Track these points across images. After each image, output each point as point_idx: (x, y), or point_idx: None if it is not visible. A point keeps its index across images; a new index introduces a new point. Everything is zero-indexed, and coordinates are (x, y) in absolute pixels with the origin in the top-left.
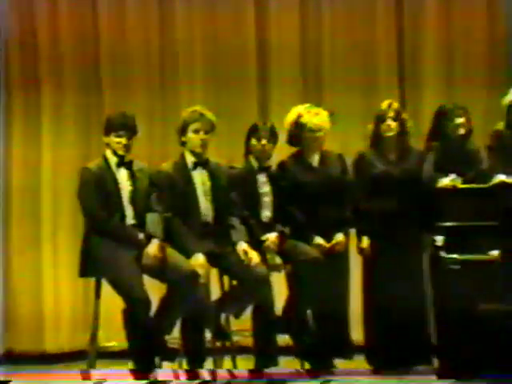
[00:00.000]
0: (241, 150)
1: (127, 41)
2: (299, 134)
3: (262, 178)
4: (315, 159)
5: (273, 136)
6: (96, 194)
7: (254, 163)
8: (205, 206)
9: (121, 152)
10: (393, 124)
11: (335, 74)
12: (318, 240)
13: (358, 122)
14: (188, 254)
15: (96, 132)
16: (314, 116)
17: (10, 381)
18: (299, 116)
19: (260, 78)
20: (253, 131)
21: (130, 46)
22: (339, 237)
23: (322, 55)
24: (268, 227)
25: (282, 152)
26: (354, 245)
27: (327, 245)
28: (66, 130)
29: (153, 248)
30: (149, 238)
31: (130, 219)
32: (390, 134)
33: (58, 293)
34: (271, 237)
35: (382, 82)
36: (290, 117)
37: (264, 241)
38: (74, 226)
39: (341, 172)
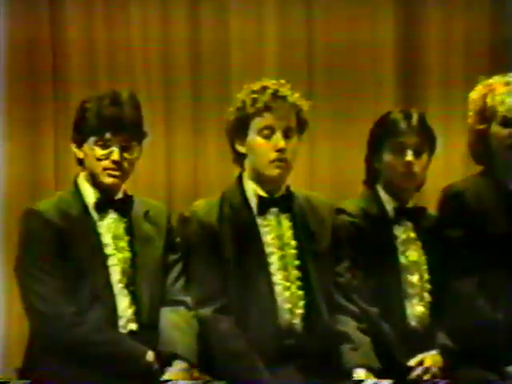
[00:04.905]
0: (358, 173)
1: None
2: (486, 130)
3: (404, 233)
4: None
5: (427, 139)
6: (56, 268)
7: (388, 201)
8: (283, 289)
9: (108, 180)
10: None
11: None
12: None
13: None
14: None
15: None
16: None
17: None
18: (486, 94)
19: None
20: (386, 132)
21: None
22: None
23: None
24: (419, 338)
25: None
26: None
27: None
28: None
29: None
30: (166, 360)
31: (125, 321)
32: None
33: None
34: (427, 359)
35: None
36: (474, 96)
37: (411, 368)
38: None
39: None
